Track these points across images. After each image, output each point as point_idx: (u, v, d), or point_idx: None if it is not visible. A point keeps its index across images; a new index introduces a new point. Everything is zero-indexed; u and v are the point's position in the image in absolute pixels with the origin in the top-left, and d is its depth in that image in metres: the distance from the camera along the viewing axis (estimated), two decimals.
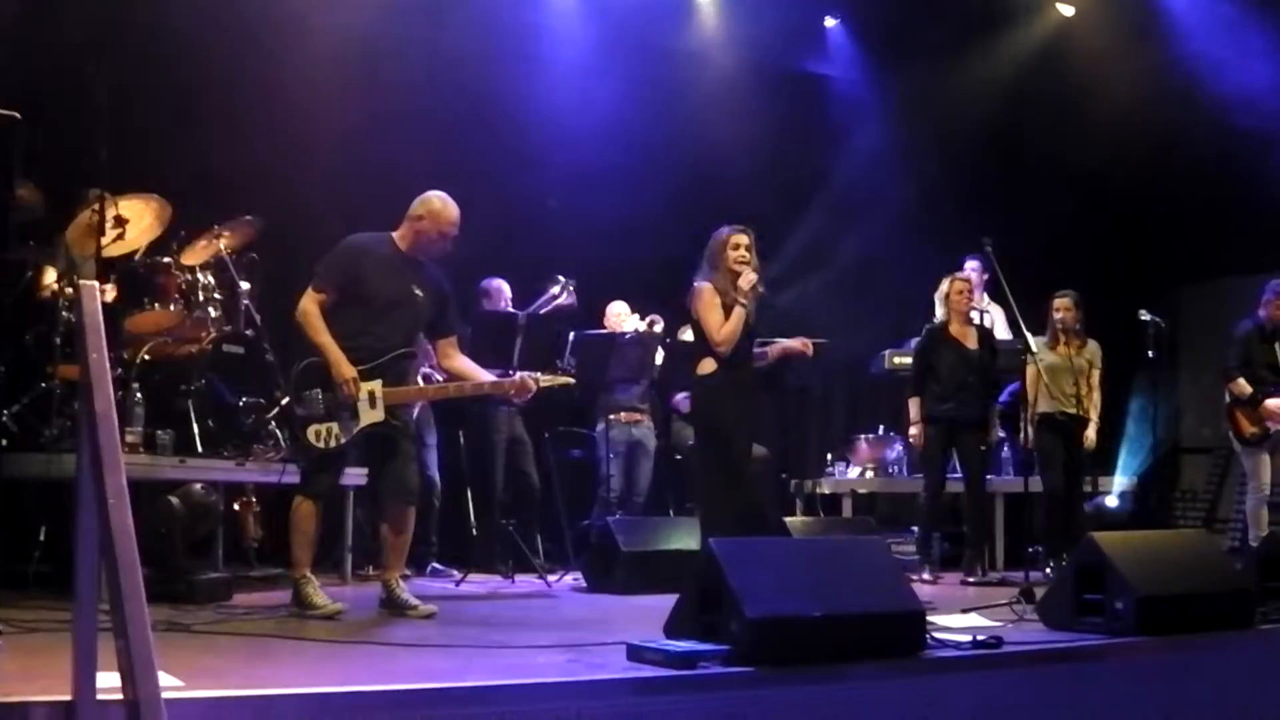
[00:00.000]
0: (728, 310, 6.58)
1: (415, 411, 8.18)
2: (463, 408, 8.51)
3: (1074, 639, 4.97)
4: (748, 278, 6.59)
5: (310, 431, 5.75)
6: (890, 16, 11.57)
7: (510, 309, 8.30)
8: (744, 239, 6.70)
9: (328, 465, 5.90)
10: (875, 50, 11.86)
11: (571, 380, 6.35)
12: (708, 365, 6.70)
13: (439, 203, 5.99)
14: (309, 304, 5.85)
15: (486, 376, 6.26)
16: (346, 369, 5.71)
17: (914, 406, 8.50)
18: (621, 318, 9.05)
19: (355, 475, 6.95)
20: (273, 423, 7.37)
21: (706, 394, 6.76)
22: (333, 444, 5.76)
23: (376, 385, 5.78)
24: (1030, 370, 7.91)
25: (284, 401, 5.85)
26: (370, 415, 5.78)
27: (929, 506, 8.51)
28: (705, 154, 10.69)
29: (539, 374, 6.14)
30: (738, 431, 6.68)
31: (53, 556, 6.48)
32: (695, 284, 6.69)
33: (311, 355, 5.82)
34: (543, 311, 8.26)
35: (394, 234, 6.03)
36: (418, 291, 5.96)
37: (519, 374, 6.17)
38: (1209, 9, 10.90)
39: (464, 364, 6.21)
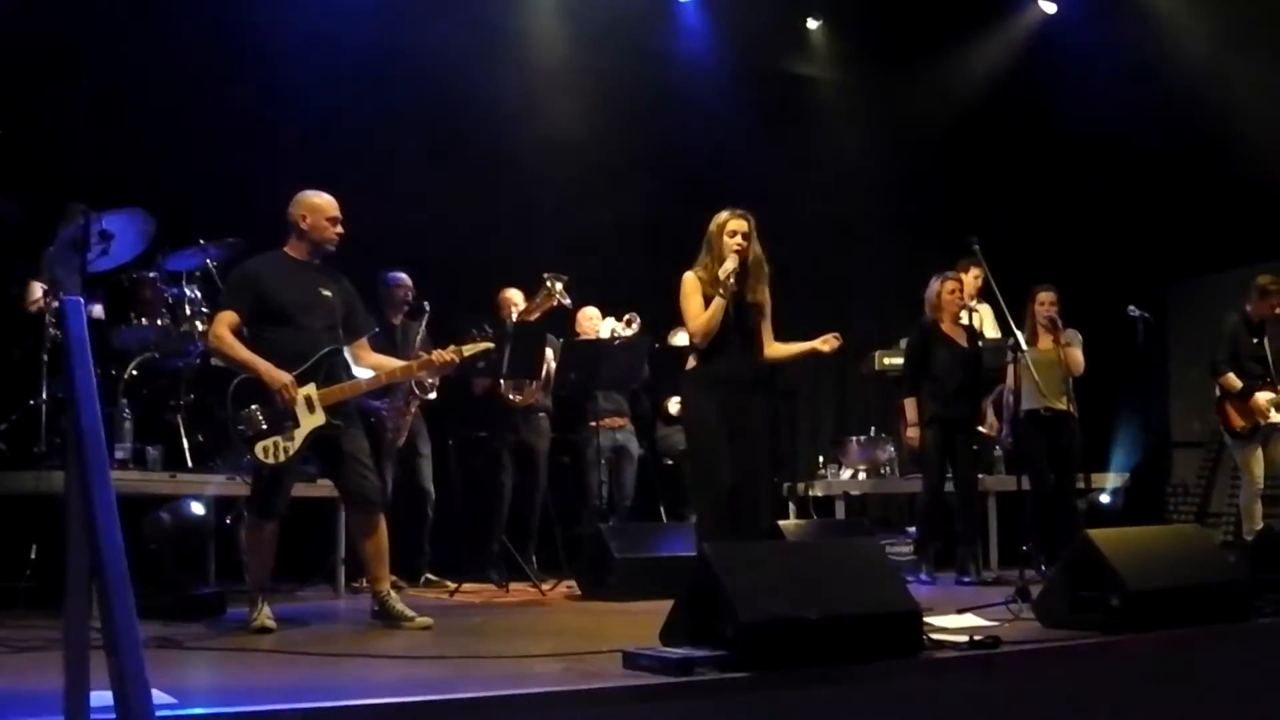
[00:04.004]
0: (709, 300, 6.29)
1: (408, 415, 8.22)
2: (511, 418, 8.57)
3: (1070, 636, 4.96)
4: (726, 267, 6.22)
5: (259, 449, 5.64)
6: (872, 16, 11.60)
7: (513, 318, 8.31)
8: (742, 225, 6.32)
9: (279, 482, 5.81)
10: (858, 50, 11.89)
11: (490, 345, 6.27)
12: (690, 360, 6.46)
13: (315, 197, 5.99)
14: (220, 328, 5.80)
15: (403, 363, 6.31)
16: (279, 374, 5.65)
17: (910, 407, 8.45)
18: (595, 321, 9.03)
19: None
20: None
21: (684, 387, 6.53)
22: (281, 457, 5.66)
23: (311, 389, 5.72)
24: (1015, 368, 7.91)
25: (224, 425, 5.77)
26: (311, 420, 5.71)
27: (928, 508, 8.45)
28: (689, 155, 10.69)
29: (463, 346, 6.07)
30: (711, 425, 6.26)
31: (43, 574, 6.45)
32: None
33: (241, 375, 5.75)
34: (533, 317, 8.24)
35: (283, 248, 6.02)
36: (325, 292, 5.95)
37: (449, 348, 6.09)
38: (1190, 5, 10.97)
39: (381, 359, 6.19)
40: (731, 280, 6.24)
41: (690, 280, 6.38)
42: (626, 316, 8.87)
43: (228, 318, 5.82)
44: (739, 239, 6.30)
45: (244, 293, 5.88)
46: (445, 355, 6.02)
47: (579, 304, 8.91)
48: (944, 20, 11.50)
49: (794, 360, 6.75)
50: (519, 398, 8.54)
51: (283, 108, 8.75)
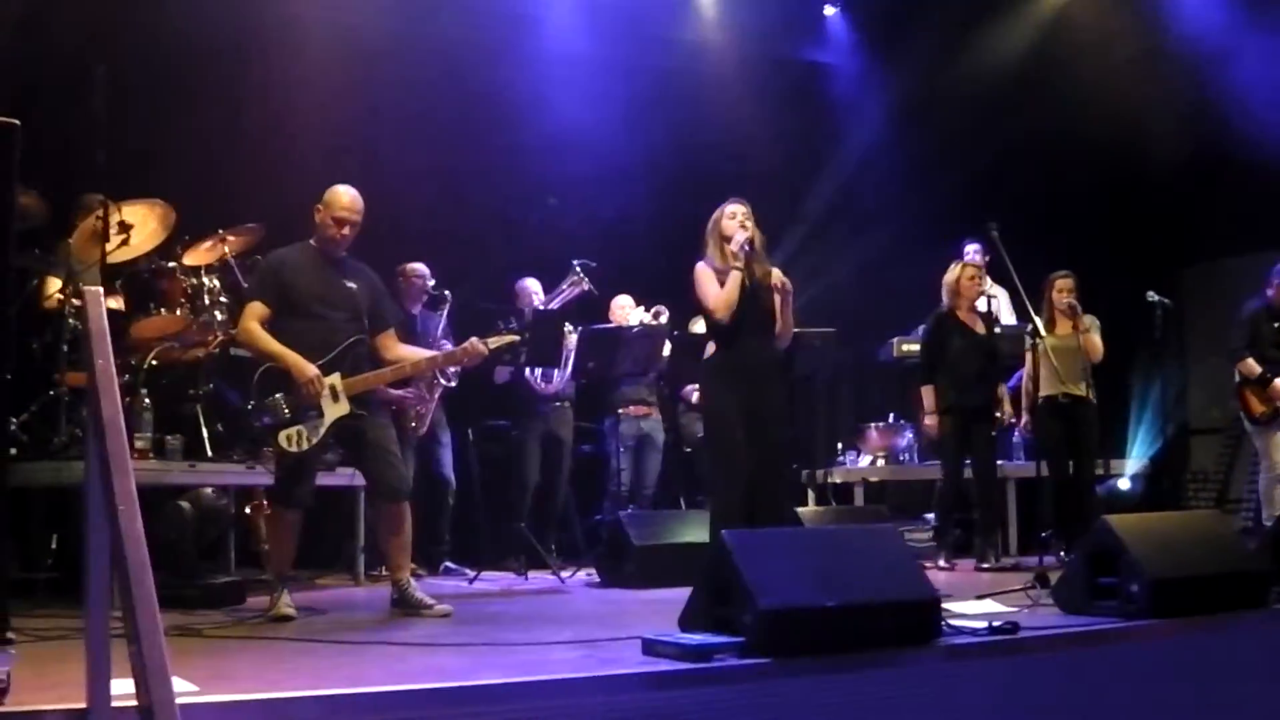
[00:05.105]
0: (724, 281, 6.38)
1: (430, 404, 8.23)
2: (537, 408, 8.60)
3: (1089, 623, 4.95)
4: (736, 239, 6.38)
5: (281, 438, 5.70)
6: (889, 2, 11.55)
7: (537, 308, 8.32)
8: (740, 208, 6.50)
9: (303, 471, 5.85)
10: (875, 37, 11.84)
11: (516, 338, 6.28)
12: (710, 347, 6.53)
13: (331, 192, 6.00)
14: (249, 321, 5.86)
15: (429, 353, 6.35)
16: (308, 368, 5.69)
17: (928, 396, 8.44)
18: (626, 310, 9.04)
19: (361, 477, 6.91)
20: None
21: (706, 375, 6.55)
22: (304, 446, 5.71)
23: (335, 378, 5.76)
24: (1034, 354, 7.89)
25: (249, 411, 5.79)
26: (336, 409, 5.75)
27: (947, 495, 8.45)
28: (705, 145, 10.67)
29: (488, 339, 6.07)
30: (730, 415, 6.30)
31: (63, 564, 6.49)
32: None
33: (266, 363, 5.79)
34: (555, 305, 8.23)
35: (310, 239, 6.06)
36: (349, 284, 5.98)
37: (475, 340, 6.08)
38: None
39: (407, 351, 6.22)
40: (745, 248, 6.37)
41: (703, 267, 6.49)
42: (655, 309, 8.87)
43: (256, 310, 5.86)
44: (740, 219, 6.47)
45: (271, 284, 5.92)
46: (472, 348, 6.03)
47: (605, 294, 8.91)
48: (961, 7, 11.45)
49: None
50: (549, 385, 8.57)
51: (300, 98, 8.75)
